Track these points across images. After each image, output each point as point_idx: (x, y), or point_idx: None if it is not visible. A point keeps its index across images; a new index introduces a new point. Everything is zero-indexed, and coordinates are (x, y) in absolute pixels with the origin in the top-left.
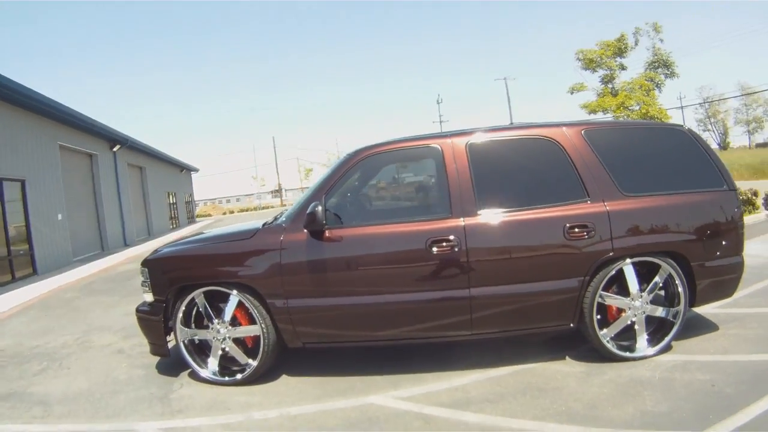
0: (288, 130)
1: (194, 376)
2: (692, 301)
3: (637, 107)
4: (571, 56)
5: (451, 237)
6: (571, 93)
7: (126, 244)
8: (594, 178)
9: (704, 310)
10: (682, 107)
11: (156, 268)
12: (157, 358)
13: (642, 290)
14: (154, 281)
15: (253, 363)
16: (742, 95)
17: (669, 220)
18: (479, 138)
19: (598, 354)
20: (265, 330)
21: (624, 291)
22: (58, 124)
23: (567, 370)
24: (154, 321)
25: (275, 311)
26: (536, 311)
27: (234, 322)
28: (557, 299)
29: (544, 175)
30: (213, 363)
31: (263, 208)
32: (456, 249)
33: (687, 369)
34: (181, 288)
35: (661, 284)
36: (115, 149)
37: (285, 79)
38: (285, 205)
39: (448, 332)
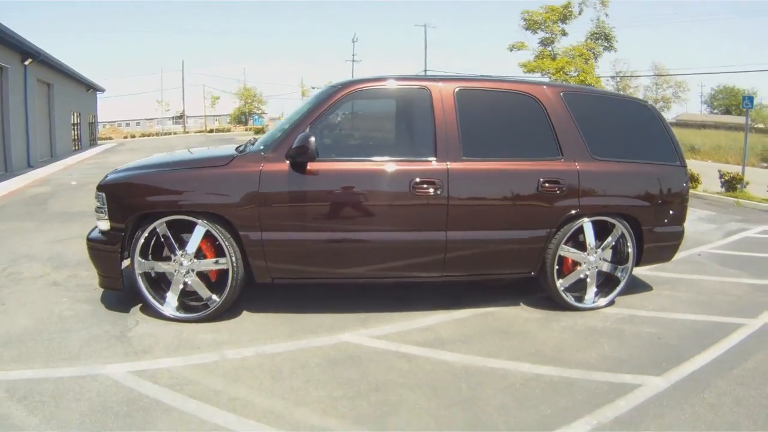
0: (196, 58)
1: (147, 311)
2: (636, 262)
3: (575, 74)
4: (495, 13)
5: (435, 180)
6: (510, 50)
7: (30, 165)
8: (568, 139)
9: (636, 271)
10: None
11: (115, 193)
12: (99, 292)
13: (596, 247)
14: (112, 207)
15: (218, 298)
16: (654, 75)
17: (628, 186)
18: (467, 86)
19: (550, 302)
20: (234, 263)
21: (579, 246)
22: None
23: (525, 315)
24: (110, 251)
25: (248, 244)
26: (504, 257)
27: (198, 254)
28: (524, 248)
29: (523, 129)
30: (172, 298)
31: (166, 134)
32: (438, 192)
33: (633, 322)
34: (142, 216)
35: (612, 243)
36: (26, 63)
37: (195, 4)
38: (188, 132)
39: (420, 273)
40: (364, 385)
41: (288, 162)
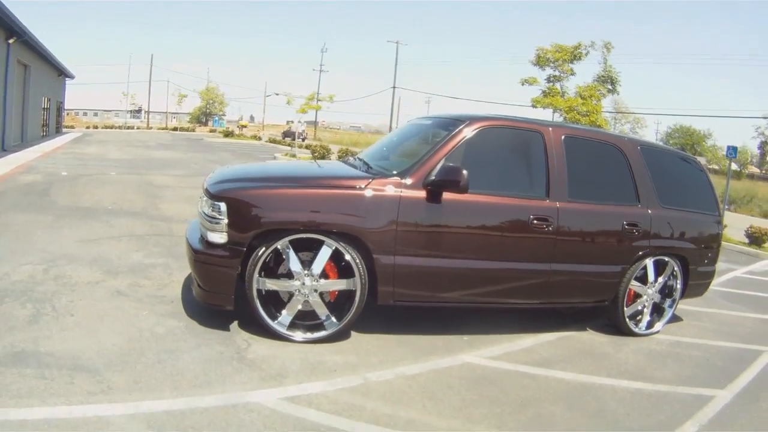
0: (161, 52)
1: (248, 329)
2: (681, 296)
3: (585, 114)
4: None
5: (549, 217)
6: (522, 85)
7: (4, 149)
8: (644, 187)
9: None
10: (553, 113)
11: (239, 205)
12: (177, 305)
13: (654, 282)
14: (235, 220)
15: (336, 320)
16: (613, 112)
17: (683, 231)
18: (571, 133)
19: (609, 327)
20: (362, 285)
21: (640, 280)
22: None
23: (597, 339)
24: (226, 266)
25: (380, 267)
26: (589, 288)
27: (322, 274)
28: (606, 281)
29: (611, 176)
30: (285, 318)
31: (128, 127)
32: (550, 228)
33: (681, 347)
34: (264, 232)
35: (665, 279)
36: (10, 41)
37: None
38: (151, 128)
39: (526, 299)
40: (513, 402)
41: (425, 190)
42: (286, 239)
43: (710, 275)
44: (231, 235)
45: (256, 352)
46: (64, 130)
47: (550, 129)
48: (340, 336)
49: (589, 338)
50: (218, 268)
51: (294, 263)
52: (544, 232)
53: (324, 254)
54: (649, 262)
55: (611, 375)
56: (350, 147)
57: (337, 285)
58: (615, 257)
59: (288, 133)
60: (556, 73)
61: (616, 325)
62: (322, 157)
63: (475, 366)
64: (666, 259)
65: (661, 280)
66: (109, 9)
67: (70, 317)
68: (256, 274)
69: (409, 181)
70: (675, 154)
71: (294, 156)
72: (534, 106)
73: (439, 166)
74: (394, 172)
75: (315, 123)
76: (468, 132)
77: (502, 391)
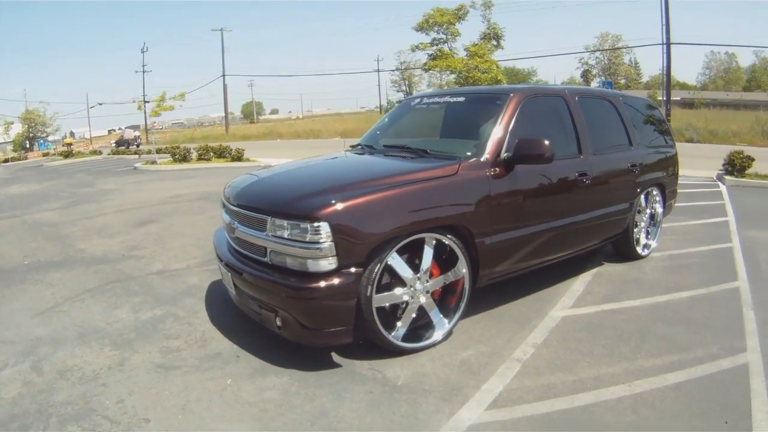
0: None
1: (349, 355)
2: (662, 216)
3: (485, 71)
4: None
5: (587, 171)
6: (413, 51)
7: None
8: (633, 132)
9: None
10: (378, 70)
11: (348, 221)
12: (250, 359)
13: (645, 209)
14: (343, 241)
15: (445, 318)
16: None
17: (659, 162)
18: (581, 93)
19: (613, 257)
20: (469, 272)
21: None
22: None
23: (619, 269)
24: (343, 298)
25: (482, 250)
26: (614, 225)
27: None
28: (623, 216)
29: (611, 127)
30: (400, 331)
31: None
32: (588, 181)
33: (679, 258)
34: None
35: (651, 205)
36: None
37: None
38: None
39: (576, 248)
40: (633, 335)
41: (502, 166)
42: (396, 246)
43: (676, 194)
44: (342, 259)
45: (398, 377)
46: None
47: (567, 92)
48: (449, 334)
49: (614, 270)
50: (332, 300)
51: (405, 270)
52: (585, 186)
53: (429, 251)
54: (641, 195)
55: (660, 293)
56: (207, 143)
57: (442, 280)
58: (627, 195)
59: (121, 142)
60: (441, 35)
61: (624, 253)
62: (184, 158)
63: (573, 317)
64: (652, 189)
65: (649, 207)
66: None
67: (147, 423)
68: (373, 294)
69: (487, 159)
70: (641, 100)
71: (154, 162)
72: (426, 70)
73: (507, 141)
74: (468, 154)
75: (146, 127)
76: (516, 103)
77: (615, 329)
